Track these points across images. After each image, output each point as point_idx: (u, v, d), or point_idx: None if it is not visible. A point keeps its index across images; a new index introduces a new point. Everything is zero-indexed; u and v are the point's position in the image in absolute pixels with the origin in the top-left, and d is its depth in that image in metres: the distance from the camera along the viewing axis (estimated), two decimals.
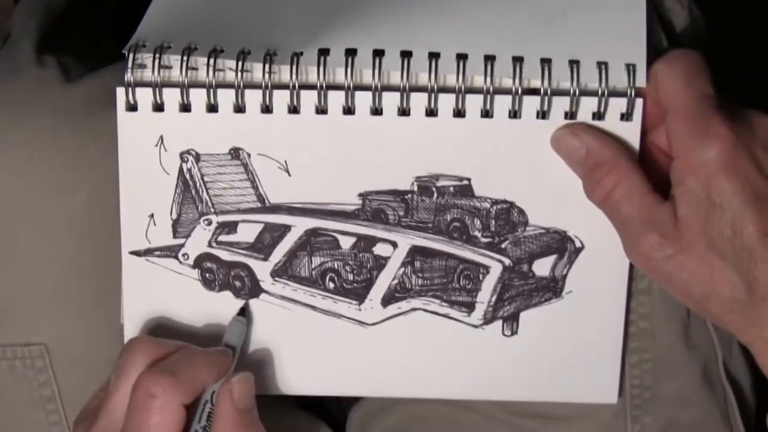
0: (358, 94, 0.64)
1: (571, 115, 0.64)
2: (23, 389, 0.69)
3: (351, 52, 0.64)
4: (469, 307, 0.67)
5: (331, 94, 0.64)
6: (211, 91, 0.64)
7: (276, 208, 0.66)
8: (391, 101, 0.64)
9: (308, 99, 0.64)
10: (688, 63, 0.63)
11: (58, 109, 0.67)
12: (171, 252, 0.67)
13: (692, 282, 0.61)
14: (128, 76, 0.64)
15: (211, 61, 0.63)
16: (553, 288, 0.67)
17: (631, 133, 0.64)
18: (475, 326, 0.68)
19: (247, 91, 0.64)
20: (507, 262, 0.67)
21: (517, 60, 0.63)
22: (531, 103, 0.64)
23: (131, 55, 0.64)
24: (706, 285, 0.61)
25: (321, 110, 0.64)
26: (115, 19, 0.77)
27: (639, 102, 0.64)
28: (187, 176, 0.66)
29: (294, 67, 0.63)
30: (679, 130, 0.61)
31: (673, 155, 0.62)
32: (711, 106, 0.61)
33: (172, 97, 0.64)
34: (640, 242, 0.62)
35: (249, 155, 0.65)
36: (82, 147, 0.67)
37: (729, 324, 0.61)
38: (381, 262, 0.67)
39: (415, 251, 0.67)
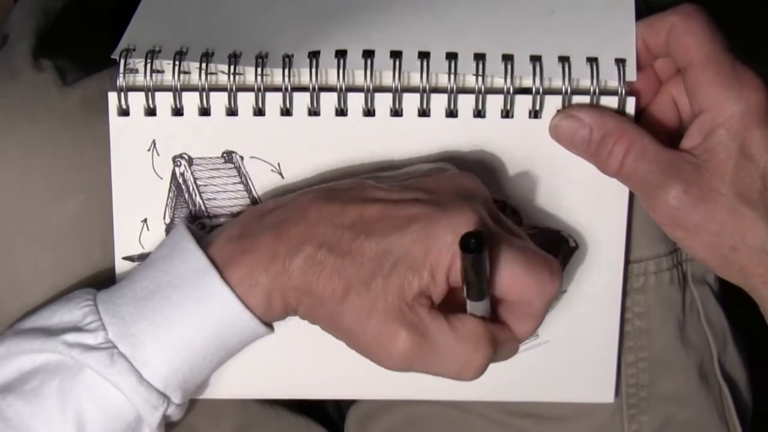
0: (350, 95, 0.64)
1: None
2: None
3: (341, 54, 0.64)
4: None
5: (323, 95, 0.64)
6: (204, 94, 0.64)
7: None
8: (382, 102, 0.64)
9: (300, 101, 0.64)
10: (707, 16, 0.63)
11: (55, 113, 0.67)
12: None
13: (721, 232, 0.61)
14: (120, 81, 0.64)
15: (203, 64, 0.64)
16: None
17: None
18: None
19: (240, 94, 0.64)
20: None
21: (508, 58, 0.63)
22: (523, 103, 0.64)
23: (122, 60, 0.64)
24: (734, 235, 0.61)
25: (313, 112, 0.64)
26: (111, 23, 0.77)
27: (631, 100, 0.64)
28: (180, 180, 0.66)
29: (286, 70, 0.63)
30: (708, 83, 0.61)
31: (698, 109, 0.62)
32: (738, 58, 0.61)
33: (164, 101, 0.64)
34: (666, 195, 0.62)
35: (242, 158, 0.65)
36: (78, 150, 0.67)
37: (754, 277, 0.62)
38: None
39: None
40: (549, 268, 0.59)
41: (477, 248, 0.55)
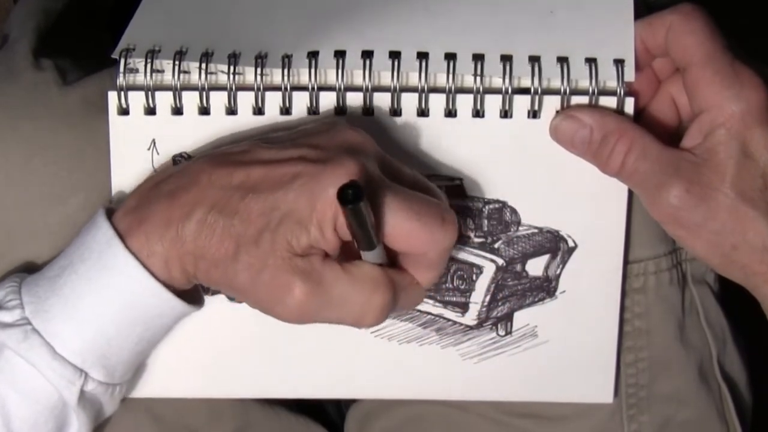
0: (349, 95, 0.64)
1: None
2: None
3: (340, 54, 0.64)
4: (463, 307, 0.67)
5: (322, 95, 0.64)
6: (203, 94, 0.64)
7: None
8: (382, 102, 0.64)
9: (299, 101, 0.64)
10: (706, 15, 0.63)
11: (55, 112, 0.68)
12: None
13: (722, 231, 0.61)
14: (120, 80, 0.64)
15: (203, 64, 0.64)
16: (546, 288, 0.67)
17: None
18: (470, 326, 0.68)
19: (239, 94, 0.64)
20: (500, 262, 0.67)
21: (506, 58, 0.63)
22: (522, 103, 0.64)
23: (122, 60, 0.64)
24: (736, 234, 0.61)
25: (313, 111, 0.65)
26: (111, 23, 0.77)
27: (630, 100, 0.64)
28: None
29: (285, 70, 0.64)
30: (708, 83, 0.61)
31: (699, 108, 0.62)
32: (738, 57, 0.61)
33: (164, 100, 0.64)
34: (667, 194, 0.62)
35: None
36: (78, 150, 0.67)
37: (755, 276, 0.62)
38: None
39: None
40: (440, 218, 0.59)
41: (354, 199, 0.55)
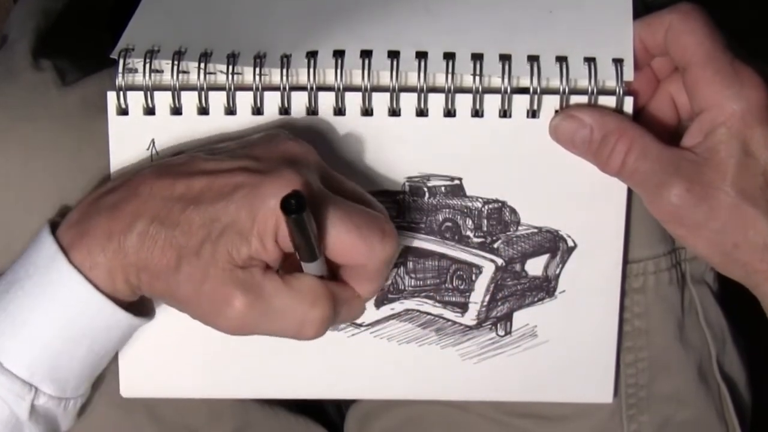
0: (348, 95, 0.64)
1: None
2: None
3: (339, 54, 0.64)
4: (463, 307, 0.67)
5: (321, 95, 0.64)
6: (202, 94, 0.64)
7: None
8: (381, 102, 0.64)
9: (298, 101, 0.64)
10: (705, 15, 0.63)
11: (54, 113, 0.68)
12: None
13: (723, 230, 0.61)
14: (119, 81, 0.64)
15: (202, 64, 0.64)
16: (546, 287, 0.67)
17: None
18: (469, 326, 0.68)
19: (238, 94, 0.64)
20: (499, 261, 0.67)
21: (505, 58, 0.63)
22: (521, 102, 0.64)
23: (121, 60, 0.64)
24: (737, 233, 0.61)
25: (311, 112, 0.65)
26: (111, 23, 0.77)
27: (629, 100, 0.64)
28: None
29: (284, 70, 0.64)
30: (709, 82, 0.61)
31: (699, 108, 0.62)
32: (738, 57, 0.61)
33: (163, 100, 0.64)
34: (668, 193, 0.62)
35: None
36: (78, 150, 0.67)
37: (756, 274, 0.62)
38: None
39: (408, 252, 0.67)
40: (380, 231, 0.60)
41: (297, 209, 0.55)
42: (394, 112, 0.64)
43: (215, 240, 0.59)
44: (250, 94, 0.64)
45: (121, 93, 0.64)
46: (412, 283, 0.67)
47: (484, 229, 0.66)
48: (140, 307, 0.64)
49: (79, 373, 0.63)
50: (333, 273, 0.62)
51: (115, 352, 0.65)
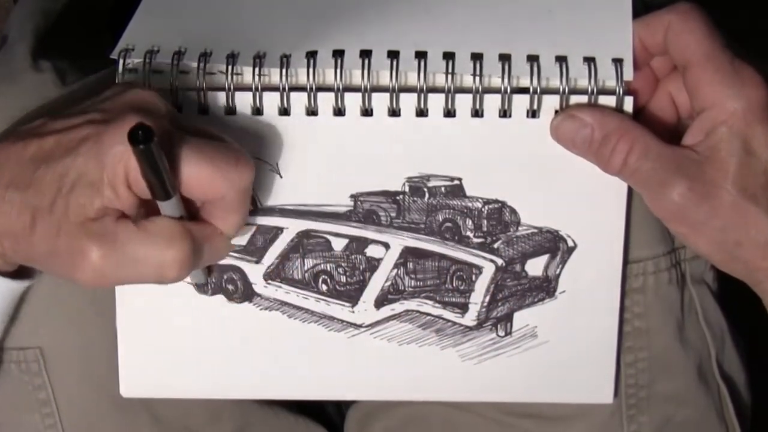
0: (348, 95, 0.64)
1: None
2: (18, 393, 0.69)
3: (339, 54, 0.64)
4: (463, 308, 0.67)
5: (321, 95, 0.64)
6: (201, 94, 0.64)
7: (268, 210, 0.66)
8: (380, 102, 0.64)
9: (298, 101, 0.64)
10: (704, 14, 0.63)
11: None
12: None
13: (725, 228, 0.61)
14: (119, 81, 0.64)
15: (201, 64, 0.64)
16: (546, 288, 0.67)
17: None
18: (469, 327, 0.68)
19: (237, 94, 0.64)
20: (500, 262, 0.67)
21: (505, 58, 0.63)
22: (521, 102, 0.64)
23: (121, 60, 0.64)
24: (739, 231, 0.61)
25: (311, 112, 0.65)
26: (111, 23, 0.77)
27: (629, 99, 0.64)
28: None
29: (283, 70, 0.64)
30: (709, 81, 0.62)
31: (699, 107, 0.62)
32: (738, 56, 0.61)
33: None
34: (670, 192, 0.62)
35: None
36: None
37: (758, 271, 0.62)
38: (374, 264, 0.67)
39: (408, 252, 0.67)
40: (234, 159, 0.59)
41: (145, 140, 0.55)
42: (394, 113, 0.64)
43: (66, 195, 0.58)
44: (250, 94, 0.64)
45: None
46: (412, 284, 0.67)
47: (484, 229, 0.66)
48: (24, 273, 0.64)
49: None
50: (193, 215, 0.61)
51: (5, 318, 0.65)
